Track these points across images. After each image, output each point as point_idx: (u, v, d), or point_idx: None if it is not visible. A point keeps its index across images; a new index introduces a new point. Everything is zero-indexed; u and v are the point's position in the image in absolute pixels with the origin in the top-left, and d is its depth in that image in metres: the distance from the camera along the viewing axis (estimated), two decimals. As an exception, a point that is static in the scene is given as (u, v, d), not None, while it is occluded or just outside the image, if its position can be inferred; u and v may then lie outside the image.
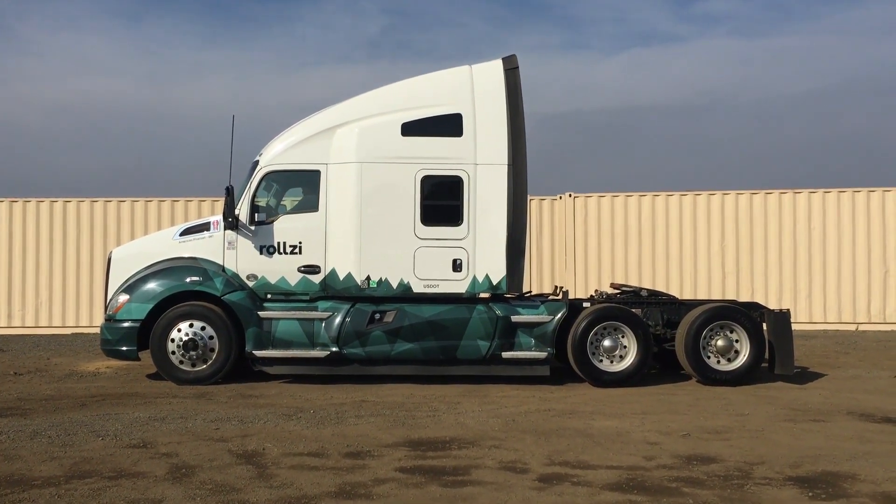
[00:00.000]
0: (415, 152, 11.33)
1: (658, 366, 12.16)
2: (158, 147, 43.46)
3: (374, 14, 51.77)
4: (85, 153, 43.86)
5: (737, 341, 11.28)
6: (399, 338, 11.19)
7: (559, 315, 11.35)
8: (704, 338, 11.25)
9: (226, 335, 11.19)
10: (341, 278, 11.29)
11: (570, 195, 19.41)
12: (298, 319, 11.28)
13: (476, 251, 11.31)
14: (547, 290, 17.05)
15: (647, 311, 11.73)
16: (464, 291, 11.34)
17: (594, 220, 19.20)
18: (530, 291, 13.48)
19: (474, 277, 11.32)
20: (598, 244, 19.15)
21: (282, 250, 11.36)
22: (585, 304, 11.61)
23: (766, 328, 11.51)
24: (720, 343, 11.24)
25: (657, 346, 11.55)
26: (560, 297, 11.82)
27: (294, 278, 11.34)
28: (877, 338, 16.96)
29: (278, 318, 11.28)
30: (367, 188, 11.30)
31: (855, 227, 18.54)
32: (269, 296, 11.41)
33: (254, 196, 11.45)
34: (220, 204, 12.48)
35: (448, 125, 11.42)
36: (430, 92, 11.65)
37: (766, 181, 40.71)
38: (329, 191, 11.38)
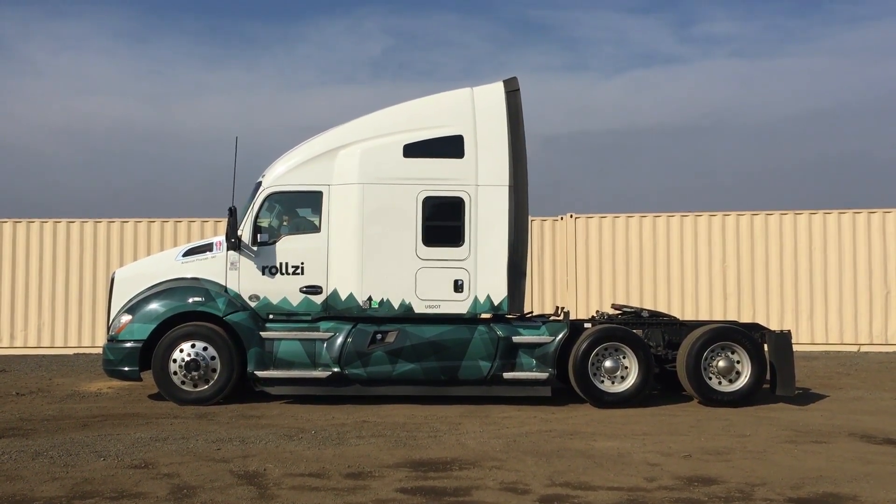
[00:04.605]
0: (416, 173, 11.40)
1: (659, 387, 12.16)
2: (161, 168, 43.61)
3: (377, 35, 52.12)
4: (88, 174, 44.02)
5: (738, 362, 11.29)
6: (400, 358, 11.21)
7: (560, 336, 11.37)
8: (706, 359, 11.26)
9: (227, 355, 11.21)
10: (343, 299, 11.33)
11: (571, 216, 19.47)
12: (300, 340, 11.31)
13: (477, 272, 11.35)
14: (548, 310, 17.05)
15: (649, 331, 11.75)
16: (465, 312, 11.37)
17: (595, 241, 19.25)
18: (532, 312, 13.50)
19: (476, 298, 11.35)
20: (599, 265, 19.19)
21: (284, 271, 11.40)
22: (587, 325, 11.63)
23: (768, 349, 11.51)
24: (721, 364, 11.24)
25: (658, 366, 11.56)
26: (561, 317, 11.85)
27: (296, 299, 11.38)
28: (878, 359, 16.93)
29: (280, 339, 11.31)
30: (368, 209, 11.36)
31: (856, 248, 18.57)
32: (271, 316, 11.44)
33: (256, 217, 11.51)
34: (223, 225, 12.54)
35: (449, 147, 11.49)
36: (431, 113, 11.73)
37: (766, 202, 40.79)
38: (331, 212, 11.44)
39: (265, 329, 11.35)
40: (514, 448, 8.48)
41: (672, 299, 18.74)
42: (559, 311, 12.30)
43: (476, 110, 11.58)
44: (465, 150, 11.48)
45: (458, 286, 11.34)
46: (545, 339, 11.38)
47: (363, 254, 11.32)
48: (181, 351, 11.22)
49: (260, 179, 11.82)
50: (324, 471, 7.48)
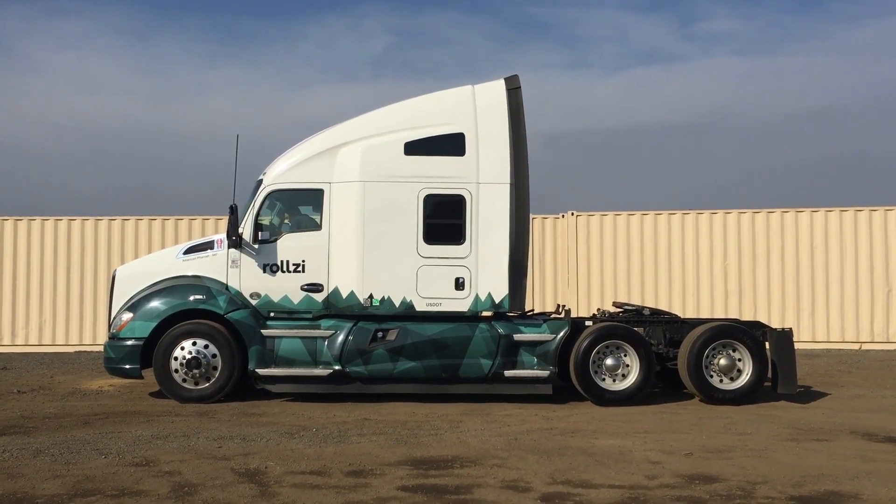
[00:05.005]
0: (418, 171, 11.39)
1: (661, 385, 12.15)
2: (162, 166, 43.63)
3: (378, 33, 52.12)
4: (89, 172, 44.05)
5: (739, 360, 11.28)
6: (401, 356, 11.20)
7: (562, 334, 11.36)
8: (707, 357, 11.25)
9: (229, 353, 11.21)
10: (344, 296, 11.32)
11: (572, 214, 19.46)
12: (301, 338, 11.30)
13: (478, 270, 11.34)
14: (549, 308, 17.05)
15: (650, 329, 11.74)
16: (466, 310, 11.36)
17: (596, 238, 19.25)
18: (533, 310, 13.48)
19: (477, 296, 11.34)
20: (600, 263, 19.18)
21: (285, 269, 11.39)
22: (588, 323, 11.62)
23: (769, 347, 11.50)
24: (723, 362, 11.23)
25: (660, 364, 11.55)
26: (562, 315, 11.83)
27: (297, 296, 11.37)
28: (880, 357, 16.92)
29: (281, 337, 11.30)
30: (369, 207, 11.35)
31: (857, 245, 18.56)
32: (272, 314, 11.44)
33: (257, 215, 11.51)
34: (224, 223, 12.55)
35: (451, 144, 11.48)
36: (432, 111, 11.72)
37: (767, 200, 40.70)
38: (332, 209, 11.43)
39: (266, 327, 11.34)
40: (515, 446, 8.48)
41: (673, 297, 18.74)
42: (560, 309, 12.29)
43: (477, 108, 11.57)
44: (467, 148, 11.46)
45: (459, 284, 11.33)
46: (546, 337, 11.37)
47: (364, 252, 11.31)
48: (182, 349, 11.22)
49: (261, 177, 11.81)
50: (325, 469, 7.47)
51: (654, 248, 19.03)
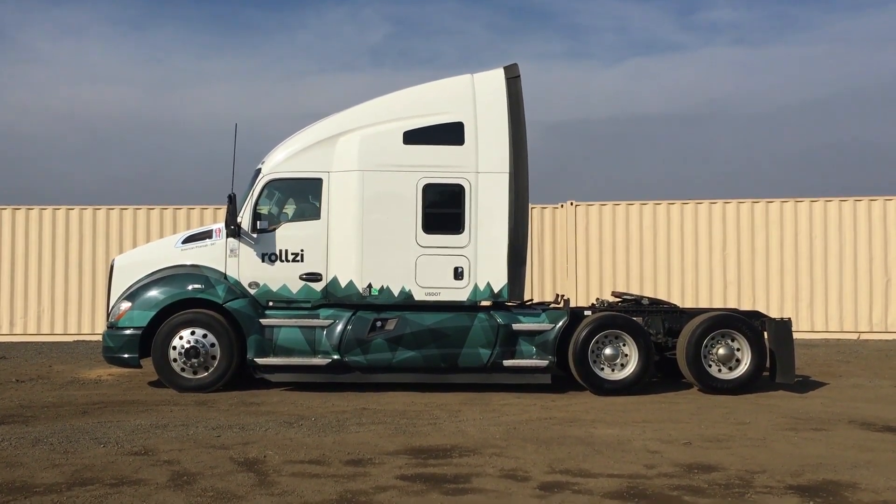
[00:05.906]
0: (416, 160, 11.37)
1: (659, 374, 12.16)
2: (161, 155, 43.57)
3: (377, 22, 52.00)
4: (87, 161, 43.98)
5: (738, 350, 11.28)
6: (400, 346, 11.20)
7: (560, 323, 11.36)
8: (706, 346, 11.26)
9: (227, 343, 11.20)
10: (343, 286, 11.31)
11: (571, 203, 19.44)
12: (300, 327, 11.30)
13: (477, 259, 11.33)
14: (548, 298, 17.05)
15: (649, 319, 11.74)
16: (465, 299, 11.36)
17: (595, 228, 19.23)
18: (532, 299, 13.49)
19: (476, 285, 11.33)
20: (599, 252, 19.17)
21: (283, 258, 11.38)
22: (587, 313, 11.62)
23: (768, 337, 11.51)
24: (721, 352, 11.24)
25: (658, 354, 11.56)
26: (561, 305, 11.84)
27: (296, 286, 11.36)
28: (878, 347, 16.95)
29: (280, 326, 11.30)
30: (368, 196, 11.33)
31: (856, 235, 18.55)
32: (270, 303, 11.43)
33: (256, 204, 11.49)
34: (223, 212, 12.53)
35: (450, 133, 11.45)
36: (431, 100, 11.68)
37: (767, 190, 40.75)
38: (331, 199, 11.41)
39: (265, 316, 11.33)
40: (513, 435, 8.48)
41: (672, 287, 18.73)
42: (559, 299, 12.29)
43: (476, 97, 11.53)
44: (466, 137, 11.44)
45: (458, 273, 11.32)
46: (545, 326, 11.37)
47: (363, 241, 11.30)
48: (181, 338, 11.22)
49: (259, 166, 11.79)
50: (324, 458, 7.48)
51: (654, 238, 19.02)
